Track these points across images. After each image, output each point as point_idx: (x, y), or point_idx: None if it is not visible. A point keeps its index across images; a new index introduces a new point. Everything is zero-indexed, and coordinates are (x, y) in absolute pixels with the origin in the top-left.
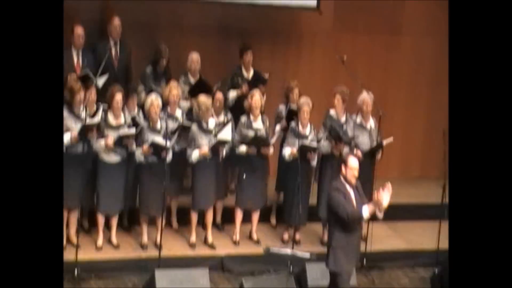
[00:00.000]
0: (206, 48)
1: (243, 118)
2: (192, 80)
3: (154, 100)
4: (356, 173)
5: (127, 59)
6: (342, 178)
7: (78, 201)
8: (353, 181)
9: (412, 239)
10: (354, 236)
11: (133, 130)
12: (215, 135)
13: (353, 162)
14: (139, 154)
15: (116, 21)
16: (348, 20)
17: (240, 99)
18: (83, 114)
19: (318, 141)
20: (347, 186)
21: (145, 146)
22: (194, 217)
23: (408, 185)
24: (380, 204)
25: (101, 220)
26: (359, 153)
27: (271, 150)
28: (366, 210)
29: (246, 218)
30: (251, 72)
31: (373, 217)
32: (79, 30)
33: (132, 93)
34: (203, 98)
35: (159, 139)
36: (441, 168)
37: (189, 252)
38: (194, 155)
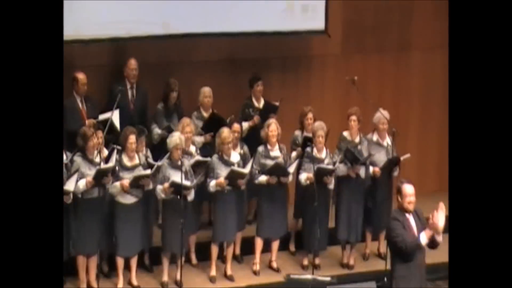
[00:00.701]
0: (217, 82)
1: (261, 148)
2: (205, 114)
3: (179, 139)
4: (412, 199)
5: (143, 100)
6: (399, 207)
7: (97, 246)
8: (411, 208)
9: (432, 252)
10: (416, 265)
11: (148, 171)
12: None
13: (408, 189)
14: (160, 191)
15: (133, 63)
16: (356, 40)
17: (253, 130)
18: (97, 159)
19: (334, 164)
20: (406, 214)
21: (166, 185)
22: (214, 250)
23: (426, 200)
24: (436, 226)
25: (120, 262)
26: (377, 170)
27: (290, 178)
28: (424, 237)
29: (265, 247)
30: (262, 102)
31: (433, 243)
32: (81, 76)
33: (141, 134)
34: (225, 132)
35: (180, 176)
36: None
37: (210, 286)
38: (211, 184)
